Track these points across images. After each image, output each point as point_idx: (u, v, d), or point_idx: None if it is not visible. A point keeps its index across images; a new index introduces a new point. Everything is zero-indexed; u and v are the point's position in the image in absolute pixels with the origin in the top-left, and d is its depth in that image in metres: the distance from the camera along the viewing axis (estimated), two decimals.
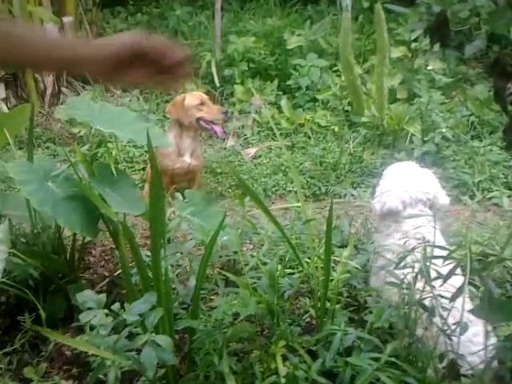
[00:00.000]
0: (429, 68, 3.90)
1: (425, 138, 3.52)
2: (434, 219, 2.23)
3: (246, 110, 4.32)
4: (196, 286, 1.64)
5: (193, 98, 3.12)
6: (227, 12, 5.41)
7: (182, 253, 1.92)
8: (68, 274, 2.17)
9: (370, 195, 3.10)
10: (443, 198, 2.26)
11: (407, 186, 2.18)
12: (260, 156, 3.89)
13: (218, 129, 3.16)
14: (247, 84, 4.52)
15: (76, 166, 1.99)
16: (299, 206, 2.37)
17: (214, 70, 4.56)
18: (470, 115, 3.90)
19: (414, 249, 1.86)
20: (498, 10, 0.96)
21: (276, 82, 4.62)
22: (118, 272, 2.29)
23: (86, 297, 1.41)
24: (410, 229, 2.11)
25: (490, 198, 3.26)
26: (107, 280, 2.33)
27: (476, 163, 3.48)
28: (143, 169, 3.68)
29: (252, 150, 3.97)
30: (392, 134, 3.64)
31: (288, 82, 4.51)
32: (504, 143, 3.19)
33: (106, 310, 1.38)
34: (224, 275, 1.93)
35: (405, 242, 1.95)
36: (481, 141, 3.72)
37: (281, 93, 4.52)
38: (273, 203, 3.51)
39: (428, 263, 1.74)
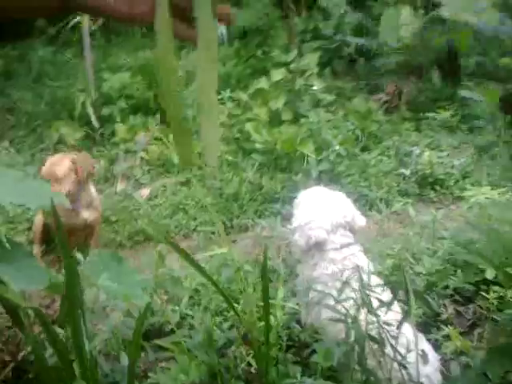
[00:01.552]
0: (314, 88, 3.97)
1: (319, 158, 3.55)
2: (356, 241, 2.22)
3: (132, 149, 4.08)
4: (129, 365, 1.43)
5: (61, 168, 2.76)
6: (94, 48, 5.15)
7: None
8: None
9: (280, 223, 3.05)
10: (360, 219, 2.23)
11: (325, 212, 2.13)
12: (155, 196, 3.69)
13: None
14: (129, 121, 4.30)
15: None
16: (225, 252, 2.23)
17: (90, 110, 4.29)
18: (355, 129, 4.01)
19: (347, 278, 1.81)
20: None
21: (158, 115, 4.45)
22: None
23: None
24: (335, 256, 2.06)
25: (396, 213, 3.33)
26: (11, 366, 2.01)
27: (370, 175, 3.56)
28: (28, 229, 3.31)
29: (145, 191, 3.75)
30: (286, 156, 3.62)
31: None
32: (391, 152, 3.27)
33: None
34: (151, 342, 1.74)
35: (342, 274, 1.89)
36: (369, 153, 3.84)
37: (165, 126, 4.35)
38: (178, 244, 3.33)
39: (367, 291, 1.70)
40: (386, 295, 1.76)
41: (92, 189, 2.99)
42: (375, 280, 1.87)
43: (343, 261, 2.03)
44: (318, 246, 2.08)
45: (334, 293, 1.87)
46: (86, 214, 2.87)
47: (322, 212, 2.13)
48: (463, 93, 3.96)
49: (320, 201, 2.21)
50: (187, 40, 0.64)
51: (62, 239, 1.36)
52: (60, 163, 2.76)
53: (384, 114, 4.39)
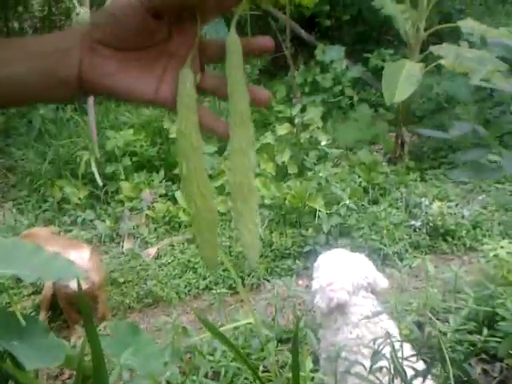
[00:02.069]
0: (322, 143, 3.98)
1: (329, 212, 3.51)
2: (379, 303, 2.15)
3: (138, 207, 4.04)
4: None
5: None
6: (95, 104, 5.18)
7: None
8: None
9: (294, 281, 2.98)
10: (382, 281, 2.18)
11: (346, 274, 2.08)
12: (163, 255, 3.62)
13: None
14: (133, 179, 4.27)
15: None
16: (250, 323, 2.15)
17: (94, 168, 4.26)
18: (362, 181, 4.00)
19: (378, 346, 1.74)
20: None
21: (162, 172, 4.43)
22: None
23: None
24: (358, 319, 2.00)
25: (409, 266, 3.27)
26: None
27: (381, 228, 3.52)
28: (33, 293, 3.22)
29: (152, 250, 3.68)
30: (295, 211, 3.58)
31: (175, 171, 4.34)
32: (400, 204, 3.24)
33: None
34: None
35: (371, 341, 1.81)
36: (378, 205, 3.81)
37: (170, 183, 4.33)
38: (188, 306, 3.25)
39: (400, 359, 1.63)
40: (420, 363, 1.69)
41: (84, 256, 2.84)
42: (405, 346, 1.80)
43: (367, 324, 1.97)
44: (341, 309, 2.02)
45: (361, 359, 1.80)
46: (93, 276, 2.78)
47: (342, 273, 2.08)
48: (425, 132, 3.97)
49: (340, 262, 2.17)
50: (211, 130, 0.56)
51: (86, 314, 1.29)
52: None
53: (388, 164, 4.39)
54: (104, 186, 4.27)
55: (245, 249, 0.51)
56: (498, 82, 1.49)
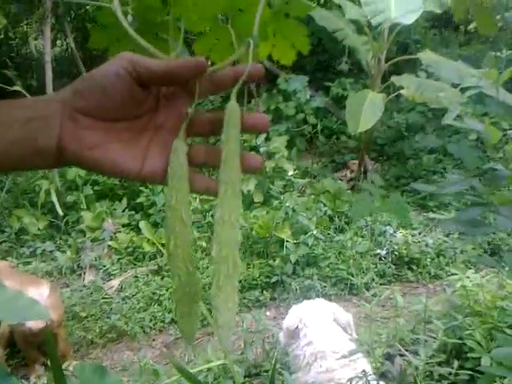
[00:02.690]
0: (289, 174, 3.99)
1: (295, 241, 3.50)
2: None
3: (99, 238, 3.93)
4: None
5: None
6: None
7: None
8: None
9: (264, 314, 2.95)
10: (343, 315, 2.24)
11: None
12: (126, 287, 3.51)
13: None
14: (95, 208, 4.17)
15: None
16: (225, 363, 2.10)
17: (54, 198, 4.13)
18: (327, 210, 4.02)
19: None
20: None
21: (125, 201, 4.35)
22: None
23: None
24: (333, 364, 2.01)
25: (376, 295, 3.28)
26: None
27: (347, 257, 3.53)
28: None
29: (115, 282, 3.58)
30: (262, 241, 3.56)
31: (138, 200, 4.26)
32: (364, 232, 3.28)
33: None
34: None
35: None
36: (344, 234, 3.83)
37: (133, 212, 4.24)
38: (153, 340, 3.16)
39: None
40: None
41: (44, 293, 2.68)
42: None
43: (343, 368, 1.96)
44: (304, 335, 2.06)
45: None
46: (30, 323, 2.64)
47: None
48: (419, 187, 4.07)
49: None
50: (204, 191, 0.53)
51: (53, 355, 1.22)
52: None
53: (352, 192, 4.44)
54: (64, 215, 4.14)
55: (219, 328, 0.48)
56: (469, 121, 1.51)
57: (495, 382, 2.23)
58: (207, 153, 0.53)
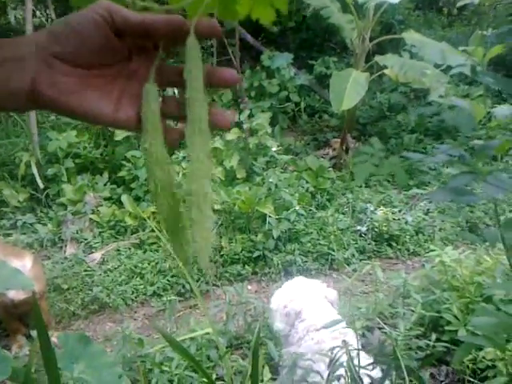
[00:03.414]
0: (273, 149, 4.00)
1: (277, 217, 3.53)
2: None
3: (81, 211, 3.90)
4: None
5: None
6: None
7: None
8: None
9: (246, 288, 2.98)
10: (331, 293, 2.28)
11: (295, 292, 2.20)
12: (108, 260, 3.51)
13: None
14: (76, 182, 4.13)
15: None
16: (208, 333, 2.12)
17: (34, 170, 4.09)
18: (309, 187, 4.05)
19: (335, 355, 1.76)
20: None
21: (106, 174, 4.32)
22: None
23: None
24: (324, 335, 2.04)
25: (356, 270, 3.34)
26: None
27: (328, 234, 3.58)
28: None
29: (97, 255, 3.57)
30: (245, 216, 3.58)
31: (120, 174, 4.24)
32: (346, 209, 3.33)
33: None
34: None
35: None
36: (325, 210, 3.87)
37: (115, 186, 4.22)
38: (135, 312, 3.18)
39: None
40: (376, 371, 1.73)
41: (27, 265, 2.67)
42: (364, 356, 1.84)
43: (333, 340, 2.00)
44: (299, 316, 2.06)
45: (322, 367, 1.82)
46: (12, 294, 2.64)
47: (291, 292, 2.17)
48: (413, 156, 4.12)
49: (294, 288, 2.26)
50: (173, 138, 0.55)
51: (40, 324, 1.23)
52: None
53: (334, 170, 4.47)
54: (45, 188, 4.10)
55: (197, 253, 0.52)
56: (454, 99, 1.54)
57: (470, 354, 2.31)
58: (178, 105, 0.54)
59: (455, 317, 2.45)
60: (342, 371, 1.72)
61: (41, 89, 0.50)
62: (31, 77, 0.49)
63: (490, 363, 2.23)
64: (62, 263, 3.47)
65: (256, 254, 3.45)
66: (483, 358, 2.25)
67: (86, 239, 3.71)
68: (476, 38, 3.03)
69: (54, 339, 2.59)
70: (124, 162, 4.24)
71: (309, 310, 2.10)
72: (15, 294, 2.64)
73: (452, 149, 0.95)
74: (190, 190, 0.52)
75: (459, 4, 2.59)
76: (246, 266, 3.44)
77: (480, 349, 2.27)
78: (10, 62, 0.49)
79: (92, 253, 3.61)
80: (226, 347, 2.59)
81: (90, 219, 3.88)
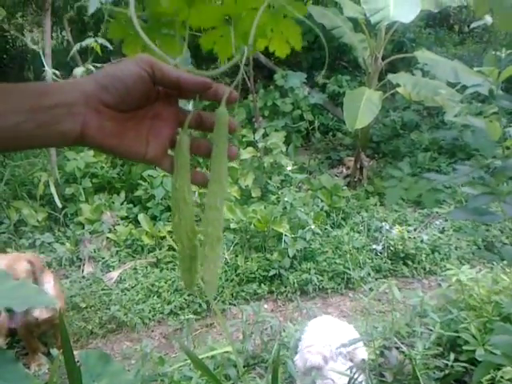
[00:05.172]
0: (288, 169, 4.03)
1: (293, 235, 3.55)
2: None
3: (98, 230, 3.95)
4: None
5: (21, 269, 2.59)
6: None
7: None
8: None
9: (262, 307, 2.99)
10: (362, 353, 2.23)
11: (327, 340, 2.14)
12: (125, 279, 3.55)
13: None
14: (93, 201, 4.19)
15: None
16: (227, 352, 2.14)
17: (53, 190, 4.15)
18: (324, 206, 4.07)
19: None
20: None
21: (123, 194, 4.38)
22: None
23: None
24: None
25: (372, 289, 3.34)
26: None
27: (344, 252, 3.59)
28: None
29: (114, 274, 3.61)
30: (260, 235, 3.61)
31: (136, 194, 4.29)
32: (361, 228, 3.33)
33: None
34: None
35: None
36: (341, 229, 3.88)
37: (131, 205, 4.28)
38: (152, 331, 3.20)
39: None
40: None
41: (47, 285, 2.73)
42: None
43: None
44: (319, 372, 2.06)
45: None
46: (37, 313, 2.68)
47: (323, 339, 2.14)
48: (431, 176, 4.13)
49: (325, 328, 2.23)
50: (200, 183, 0.65)
51: (66, 342, 1.27)
52: (17, 264, 2.64)
53: (348, 188, 4.49)
54: (63, 208, 4.17)
55: (205, 283, 0.62)
56: (470, 118, 1.56)
57: (489, 373, 2.30)
58: (202, 146, 0.64)
59: (473, 336, 2.44)
60: None
61: (89, 131, 0.57)
62: (81, 121, 0.56)
63: (508, 383, 2.21)
64: (80, 282, 3.51)
65: (272, 272, 3.47)
66: (501, 377, 2.24)
67: (103, 258, 3.76)
68: (490, 59, 3.05)
69: None
70: (140, 182, 4.29)
71: (329, 367, 2.08)
72: (39, 313, 2.69)
73: (472, 170, 0.98)
74: (206, 232, 0.62)
75: (473, 25, 2.63)
76: (262, 285, 3.46)
77: (498, 368, 2.26)
78: (60, 108, 0.55)
79: (109, 272, 3.65)
80: (244, 366, 2.60)
81: (107, 238, 3.93)
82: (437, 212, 4.07)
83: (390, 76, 4.70)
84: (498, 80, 2.57)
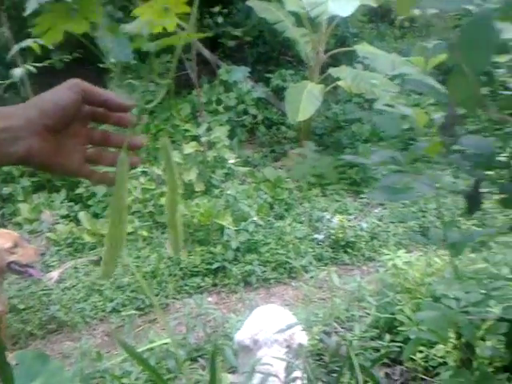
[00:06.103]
0: (230, 162, 4.04)
1: (236, 228, 3.57)
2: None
3: (37, 230, 3.86)
4: None
5: (3, 239, 2.62)
6: None
7: None
8: None
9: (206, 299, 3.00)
10: (300, 339, 2.24)
11: (263, 326, 2.15)
12: (66, 278, 3.48)
13: (34, 272, 2.73)
14: (32, 200, 4.09)
15: None
16: (167, 343, 2.14)
17: None
18: (267, 198, 4.11)
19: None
20: None
21: (64, 192, 4.28)
22: None
23: None
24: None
25: (313, 278, 3.39)
26: None
27: (287, 243, 3.63)
28: None
29: (54, 274, 3.53)
30: (204, 229, 3.61)
31: (77, 191, 4.22)
32: (303, 218, 3.40)
33: None
34: None
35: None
36: (283, 220, 3.93)
37: (72, 203, 4.19)
38: (94, 329, 3.15)
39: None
40: None
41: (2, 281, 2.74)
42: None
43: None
44: (248, 353, 2.08)
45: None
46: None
47: (260, 325, 2.16)
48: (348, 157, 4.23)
49: (266, 316, 2.24)
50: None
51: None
52: (5, 234, 2.68)
53: (291, 180, 4.55)
54: (1, 208, 4.04)
55: (171, 243, 0.78)
56: (399, 106, 1.62)
57: (421, 352, 2.39)
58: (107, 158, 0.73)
59: (408, 317, 2.53)
60: (298, 373, 1.77)
61: (33, 154, 0.64)
62: (25, 144, 0.63)
63: (441, 360, 2.30)
64: (19, 283, 3.42)
65: (215, 265, 3.48)
66: (434, 355, 2.33)
67: (42, 258, 3.66)
68: (418, 49, 3.16)
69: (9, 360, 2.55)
70: (81, 179, 4.20)
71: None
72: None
73: (386, 152, 1.02)
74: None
75: (399, 19, 2.72)
76: (206, 278, 3.46)
77: (431, 346, 2.35)
78: (6, 133, 0.62)
79: (49, 271, 3.57)
80: (187, 359, 2.60)
81: (47, 238, 3.84)
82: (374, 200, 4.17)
83: (331, 70, 4.79)
84: (426, 68, 2.66)
